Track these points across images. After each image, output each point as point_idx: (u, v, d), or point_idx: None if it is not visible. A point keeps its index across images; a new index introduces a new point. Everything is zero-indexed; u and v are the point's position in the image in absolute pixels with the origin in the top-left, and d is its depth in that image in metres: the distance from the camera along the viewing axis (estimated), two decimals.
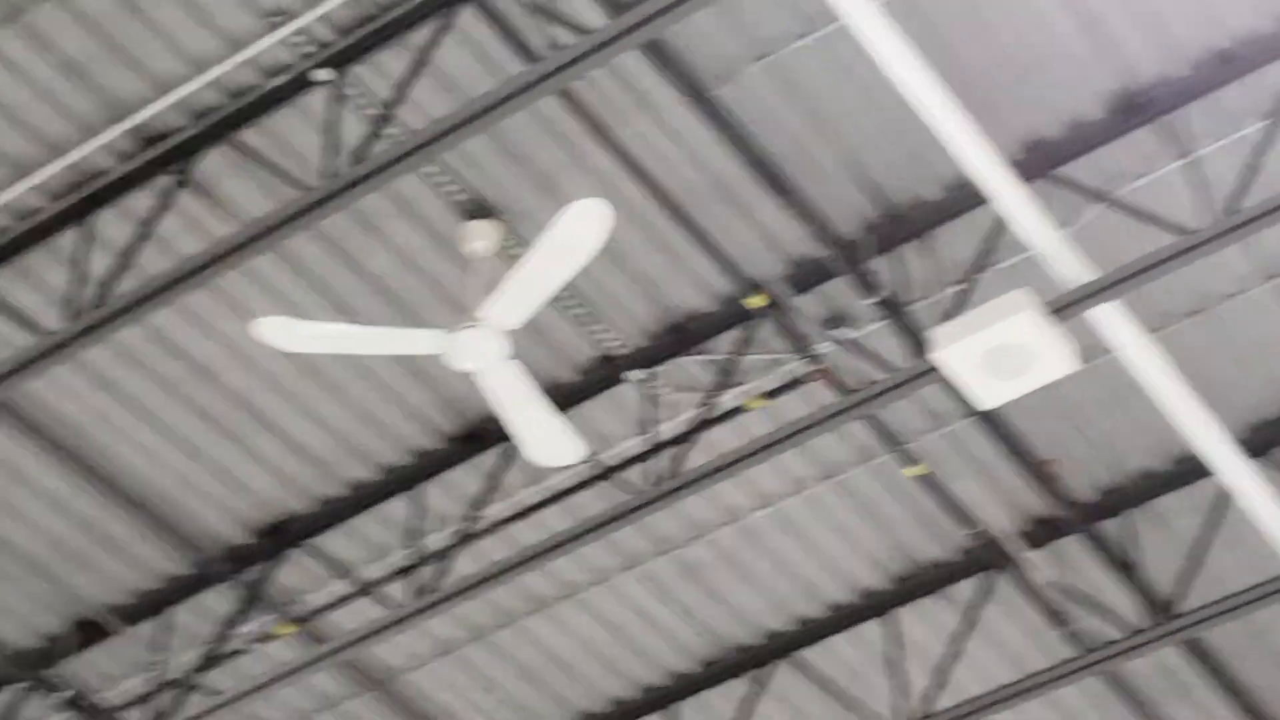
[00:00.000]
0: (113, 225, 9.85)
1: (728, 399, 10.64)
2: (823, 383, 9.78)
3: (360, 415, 10.93)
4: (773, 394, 10.02)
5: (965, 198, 9.83)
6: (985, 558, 11.48)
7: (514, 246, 10.05)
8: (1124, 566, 11.19)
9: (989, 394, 9.13)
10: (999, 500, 11.30)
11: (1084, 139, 9.60)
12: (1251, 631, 12.08)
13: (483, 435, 11.03)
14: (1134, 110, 9.48)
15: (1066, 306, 8.98)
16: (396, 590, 11.71)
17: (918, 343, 9.64)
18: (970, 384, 9.05)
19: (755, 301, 9.44)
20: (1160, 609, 11.16)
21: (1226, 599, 10.44)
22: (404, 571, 11.16)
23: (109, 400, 10.69)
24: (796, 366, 10.39)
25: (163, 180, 9.63)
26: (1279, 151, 9.63)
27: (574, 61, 8.20)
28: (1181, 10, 9.18)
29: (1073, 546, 11.48)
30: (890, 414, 10.79)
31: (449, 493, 11.32)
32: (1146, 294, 10.30)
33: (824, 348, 10.05)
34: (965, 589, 11.74)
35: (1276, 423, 10.98)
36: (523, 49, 8.80)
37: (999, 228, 9.49)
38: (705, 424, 10.00)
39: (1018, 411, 10.86)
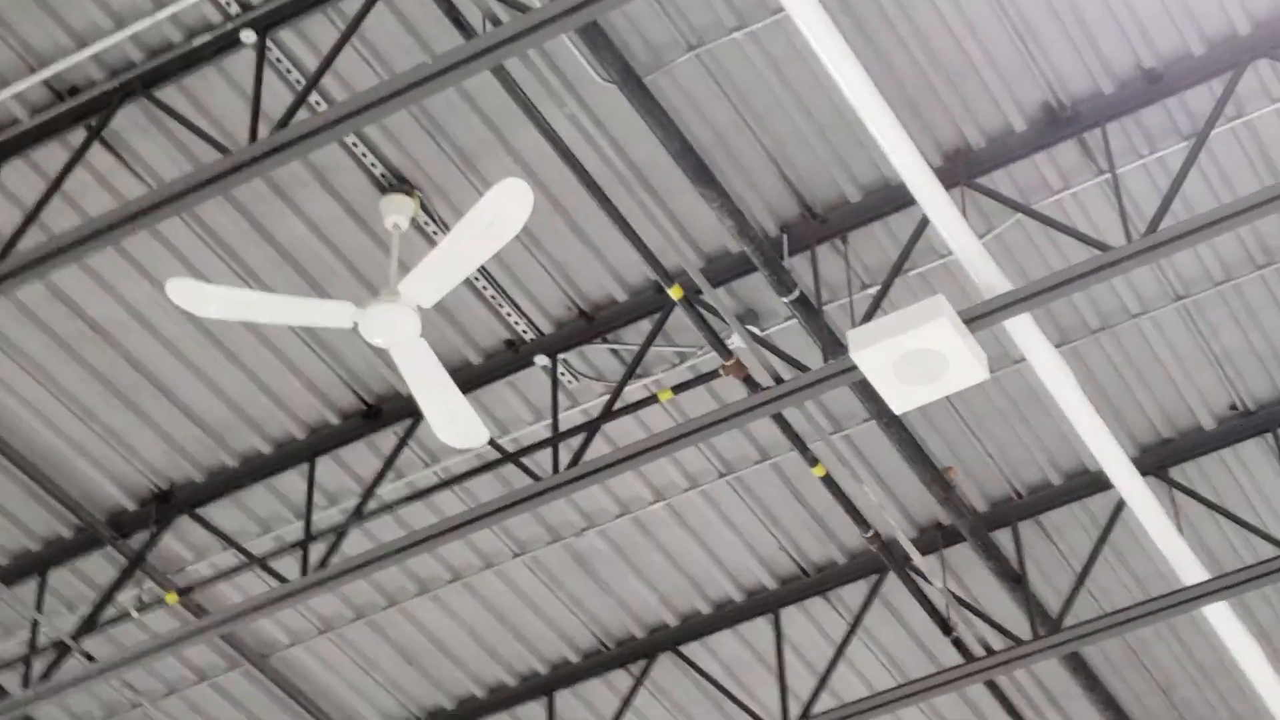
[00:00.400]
0: (20, 178, 9.61)
1: (635, 389, 10.61)
2: (733, 378, 9.73)
3: (258, 386, 10.75)
4: (682, 387, 9.97)
5: (883, 201, 9.86)
6: (875, 561, 11.53)
7: (428, 223, 9.94)
8: (1012, 577, 11.28)
9: (900, 399, 9.13)
10: (894, 505, 11.35)
11: (1006, 149, 9.65)
12: (1130, 648, 12.24)
13: (381, 413, 10.91)
14: (1058, 124, 9.55)
15: (982, 316, 9.00)
16: (283, 565, 11.55)
17: (830, 344, 9.64)
18: (882, 388, 9.06)
19: (674, 292, 9.39)
20: (1045, 620, 11.28)
21: (1110, 614, 10.52)
22: (292, 547, 10.99)
23: (2, 356, 10.44)
24: (707, 360, 10.37)
25: (75, 135, 9.42)
26: (1198, 174, 9.75)
27: (510, 40, 8.08)
28: (1111, 28, 9.26)
29: (963, 555, 11.57)
30: (791, 414, 10.80)
31: (343, 469, 11.18)
32: (1053, 308, 10.41)
33: (735, 343, 10.03)
34: (853, 592, 11.78)
35: (1169, 443, 11.12)
36: (458, 23, 8.67)
37: (917, 233, 9.52)
38: (611, 413, 9.93)
39: (917, 417, 10.92)
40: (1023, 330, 9.38)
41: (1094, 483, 11.18)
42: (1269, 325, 10.55)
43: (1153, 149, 9.67)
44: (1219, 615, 10.75)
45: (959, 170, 9.69)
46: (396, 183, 9.80)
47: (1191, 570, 10.54)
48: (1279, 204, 8.70)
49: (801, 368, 9.65)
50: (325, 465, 11.15)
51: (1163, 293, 10.37)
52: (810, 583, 11.80)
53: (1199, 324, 10.50)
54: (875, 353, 8.92)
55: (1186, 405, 10.92)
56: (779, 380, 9.63)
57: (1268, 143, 9.71)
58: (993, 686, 12.08)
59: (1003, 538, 11.36)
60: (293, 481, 11.23)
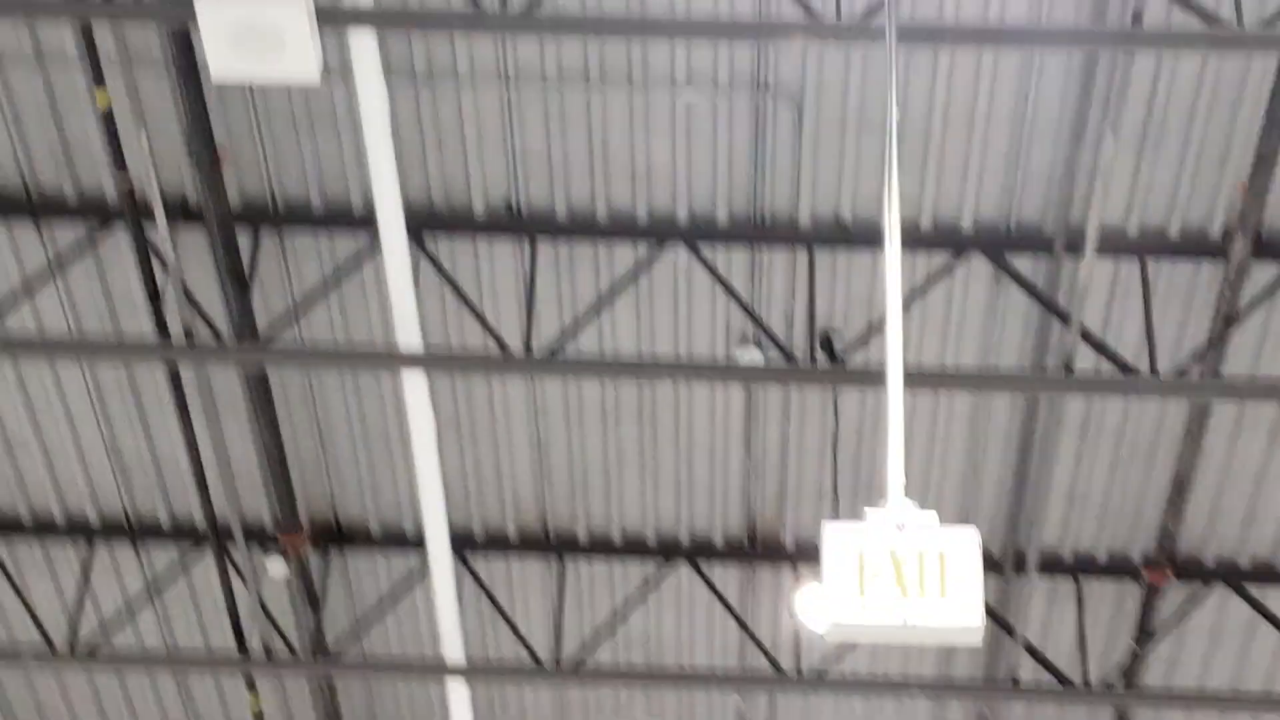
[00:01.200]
0: None
1: None
2: None
3: None
4: None
5: None
6: (104, 208, 10.95)
7: None
8: (239, 280, 10.90)
9: (223, 67, 8.60)
10: (152, 162, 10.68)
11: None
12: (311, 389, 12.10)
13: None
14: None
15: (337, 19, 8.64)
16: None
17: None
18: (211, 48, 8.51)
19: None
20: (251, 331, 11.03)
21: (310, 346, 10.40)
22: None
23: None
24: None
25: None
26: None
27: None
28: None
29: (198, 240, 11.10)
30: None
31: None
32: (392, 44, 10.14)
33: None
34: (68, 232, 11.12)
35: (437, 213, 11.05)
36: None
37: None
38: None
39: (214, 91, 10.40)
40: (363, 47, 9.11)
41: (352, 220, 11.02)
42: (571, 142, 10.64)
43: None
44: (412, 384, 10.83)
45: None
46: None
47: (407, 335, 10.55)
48: None
49: None
50: None
51: (495, 71, 10.27)
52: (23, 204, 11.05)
53: (514, 115, 10.48)
54: (219, 8, 8.37)
55: (467, 184, 10.90)
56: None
57: None
58: (174, 379, 11.57)
59: (244, 240, 11.02)
60: None
